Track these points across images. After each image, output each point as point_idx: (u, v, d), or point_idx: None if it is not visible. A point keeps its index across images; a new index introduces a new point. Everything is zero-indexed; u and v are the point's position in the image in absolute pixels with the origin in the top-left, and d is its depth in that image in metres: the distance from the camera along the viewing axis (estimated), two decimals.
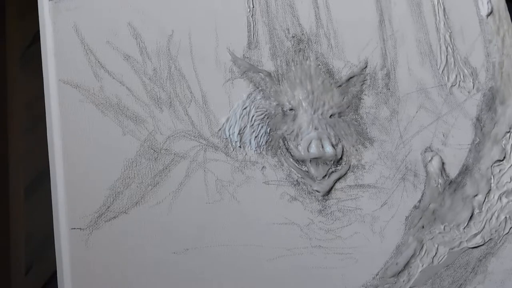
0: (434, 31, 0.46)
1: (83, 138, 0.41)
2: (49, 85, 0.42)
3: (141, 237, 0.41)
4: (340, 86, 0.45)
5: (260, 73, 0.44)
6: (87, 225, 0.40)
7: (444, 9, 0.47)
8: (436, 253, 0.43)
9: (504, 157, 0.45)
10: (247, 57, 0.44)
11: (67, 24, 0.43)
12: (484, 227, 0.44)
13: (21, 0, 0.65)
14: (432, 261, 0.43)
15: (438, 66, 0.46)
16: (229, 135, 0.43)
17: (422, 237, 0.43)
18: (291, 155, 0.43)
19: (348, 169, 0.44)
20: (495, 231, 0.44)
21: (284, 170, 0.43)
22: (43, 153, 0.42)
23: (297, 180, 0.43)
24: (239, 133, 0.43)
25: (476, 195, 0.45)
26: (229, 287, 0.41)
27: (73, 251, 0.40)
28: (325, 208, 0.43)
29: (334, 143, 0.43)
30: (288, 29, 0.45)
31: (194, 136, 0.42)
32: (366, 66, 0.45)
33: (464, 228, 0.44)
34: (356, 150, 0.44)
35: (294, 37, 0.45)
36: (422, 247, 0.43)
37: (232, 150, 0.43)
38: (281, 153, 0.43)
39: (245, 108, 0.43)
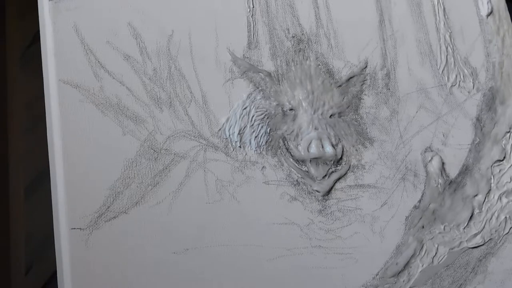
0: (434, 31, 0.46)
1: (83, 138, 0.41)
2: (49, 85, 0.42)
3: (141, 237, 0.41)
4: (340, 86, 0.45)
5: (260, 73, 0.44)
6: (87, 225, 0.40)
7: (444, 9, 0.47)
8: (436, 253, 0.43)
9: (504, 157, 0.45)
10: (247, 57, 0.44)
11: (67, 24, 0.43)
12: (484, 227, 0.44)
13: (21, 0, 0.65)
14: (432, 261, 0.43)
15: (438, 66, 0.46)
16: (229, 135, 0.43)
17: (422, 237, 0.43)
18: (291, 155, 0.43)
19: (348, 169, 0.44)
20: (495, 231, 0.44)
21: (284, 170, 0.43)
22: (43, 153, 0.42)
23: (297, 180, 0.43)
24: (239, 133, 0.43)
25: (476, 195, 0.45)
26: (229, 287, 0.41)
27: (73, 251, 0.40)
28: (325, 208, 0.43)
29: (334, 143, 0.43)
30: (288, 29, 0.45)
31: (194, 136, 0.42)
32: (366, 66, 0.45)
33: (464, 228, 0.44)
34: (356, 150, 0.44)
35: (294, 37, 0.45)
36: (422, 247, 0.43)
37: (232, 150, 0.43)
38: (281, 153, 0.43)
39: (245, 108, 0.43)
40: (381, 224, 0.43)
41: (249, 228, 0.42)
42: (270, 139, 0.43)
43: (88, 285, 0.40)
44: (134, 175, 0.41)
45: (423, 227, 0.44)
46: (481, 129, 0.45)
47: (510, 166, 0.45)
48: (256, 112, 0.43)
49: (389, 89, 0.45)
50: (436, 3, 0.47)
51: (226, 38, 0.44)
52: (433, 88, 0.45)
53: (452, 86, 0.46)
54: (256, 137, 0.43)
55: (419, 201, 0.44)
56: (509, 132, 0.46)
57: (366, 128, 0.44)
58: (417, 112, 0.45)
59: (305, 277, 0.42)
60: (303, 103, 0.44)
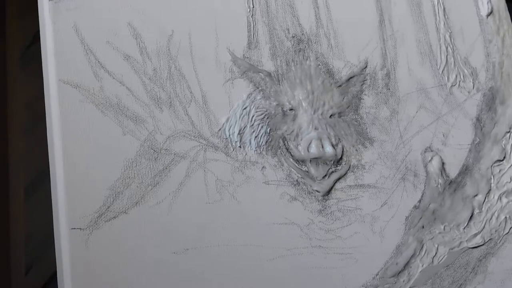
0: (434, 31, 0.46)
1: (83, 138, 0.41)
2: (49, 85, 0.42)
3: (141, 237, 0.41)
4: (340, 86, 0.45)
5: (260, 73, 0.44)
6: (87, 225, 0.40)
7: (444, 9, 0.47)
8: (436, 253, 0.43)
9: (504, 157, 0.45)
10: (247, 57, 0.44)
11: (67, 24, 0.43)
12: (484, 227, 0.44)
13: (21, 0, 0.65)
14: (432, 261, 0.43)
15: (438, 66, 0.46)
16: (229, 135, 0.43)
17: (422, 237, 0.43)
18: (291, 155, 0.43)
19: (348, 169, 0.44)
20: (495, 231, 0.44)
21: (284, 170, 0.43)
22: (43, 153, 0.42)
23: (297, 180, 0.43)
24: (239, 133, 0.43)
25: (476, 195, 0.45)
26: (229, 287, 0.41)
27: (73, 251, 0.40)
28: (325, 208, 0.43)
29: (334, 143, 0.43)
30: (288, 29, 0.45)
31: (194, 136, 0.42)
32: (366, 66, 0.45)
33: (464, 228, 0.44)
34: (356, 150, 0.44)
35: (294, 37, 0.45)
36: (422, 247, 0.43)
37: (232, 150, 0.43)
38: (281, 153, 0.43)
39: (245, 108, 0.43)
40: (381, 224, 0.43)
41: (249, 228, 0.42)
42: (270, 139, 0.43)
43: (88, 285, 0.40)
44: (134, 175, 0.41)
45: (423, 227, 0.44)
46: (481, 129, 0.45)
47: (510, 166, 0.45)
48: (256, 112, 0.43)
49: (389, 89, 0.45)
50: (436, 3, 0.47)
51: (226, 38, 0.44)
52: (433, 88, 0.45)
53: (452, 86, 0.46)
54: (256, 137, 0.43)
55: (419, 201, 0.44)
56: (509, 132, 0.46)
57: (366, 128, 0.44)
58: (417, 112, 0.45)
59: (305, 277, 0.42)
60: (303, 103, 0.44)
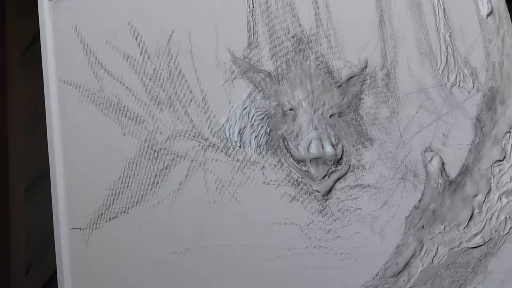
0: (434, 31, 0.46)
1: (83, 138, 0.41)
2: (49, 85, 0.42)
3: (141, 237, 0.41)
4: (340, 86, 0.45)
5: (260, 73, 0.44)
6: (87, 225, 0.40)
7: (444, 9, 0.47)
8: (436, 253, 0.43)
9: (504, 157, 0.45)
10: (247, 57, 0.44)
11: (67, 24, 0.43)
12: (484, 227, 0.44)
13: (21, 0, 0.65)
14: (432, 261, 0.43)
15: (438, 66, 0.46)
16: (229, 135, 0.43)
17: (422, 237, 0.43)
18: (291, 155, 0.43)
19: (348, 169, 0.44)
20: (495, 231, 0.44)
21: (284, 170, 0.43)
22: (43, 153, 0.42)
23: (297, 180, 0.43)
24: (239, 133, 0.43)
25: (476, 195, 0.45)
26: (229, 287, 0.41)
27: (73, 251, 0.40)
28: (325, 208, 0.43)
29: (334, 143, 0.43)
30: (288, 29, 0.45)
31: (194, 136, 0.42)
32: (366, 66, 0.45)
33: (464, 228, 0.44)
34: (356, 150, 0.44)
35: (294, 37, 0.45)
36: (422, 247, 0.43)
37: (232, 150, 0.43)
38: (281, 153, 0.43)
39: (245, 108, 0.43)
40: (381, 224, 0.43)
41: (249, 228, 0.42)
42: (270, 139, 0.43)
43: (88, 285, 0.40)
44: (134, 175, 0.41)
45: (423, 227, 0.44)
46: (481, 129, 0.45)
47: (510, 166, 0.45)
48: (256, 112, 0.43)
49: (389, 89, 0.45)
50: (436, 3, 0.47)
51: (226, 38, 0.44)
52: (433, 88, 0.45)
53: (452, 86, 0.46)
54: (256, 137, 0.43)
55: (419, 201, 0.44)
56: (509, 132, 0.46)
57: (366, 128, 0.44)
58: (417, 112, 0.45)
59: (305, 277, 0.42)
60: (303, 103, 0.44)
